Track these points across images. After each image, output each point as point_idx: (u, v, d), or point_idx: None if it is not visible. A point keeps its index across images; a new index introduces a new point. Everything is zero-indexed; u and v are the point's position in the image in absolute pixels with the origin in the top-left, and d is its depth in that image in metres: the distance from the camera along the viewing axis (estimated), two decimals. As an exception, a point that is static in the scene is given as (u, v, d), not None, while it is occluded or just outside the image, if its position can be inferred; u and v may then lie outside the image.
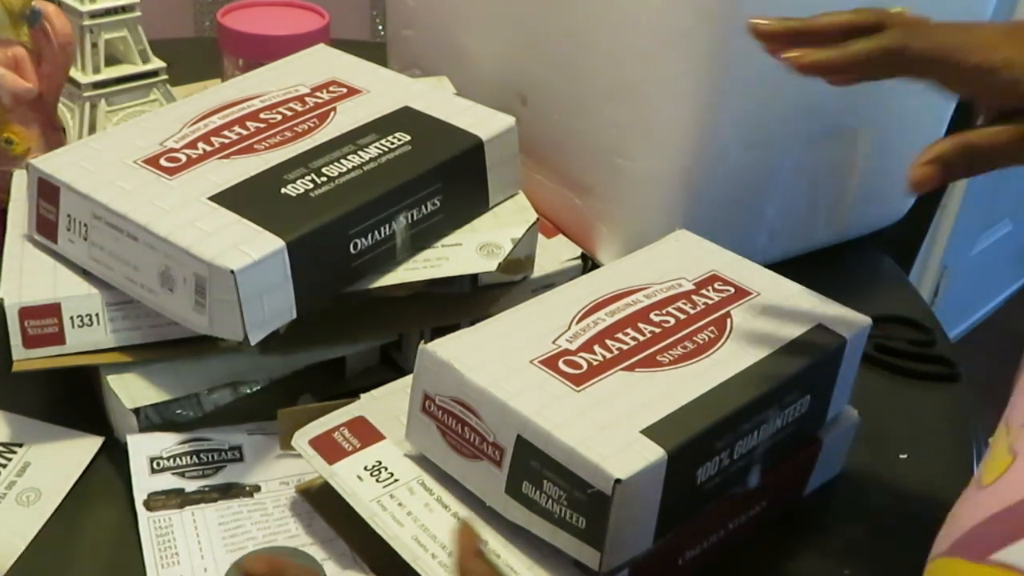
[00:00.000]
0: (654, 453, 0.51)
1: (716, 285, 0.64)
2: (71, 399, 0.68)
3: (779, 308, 0.62)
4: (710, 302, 0.62)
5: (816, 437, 0.64)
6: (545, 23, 0.80)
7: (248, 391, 0.67)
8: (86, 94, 0.88)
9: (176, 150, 0.67)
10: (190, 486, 0.61)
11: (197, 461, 0.63)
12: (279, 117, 0.71)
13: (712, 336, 0.59)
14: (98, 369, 0.64)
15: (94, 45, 0.88)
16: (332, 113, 0.71)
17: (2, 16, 0.77)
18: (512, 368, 0.55)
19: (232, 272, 0.57)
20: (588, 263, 0.81)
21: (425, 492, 0.57)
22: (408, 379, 0.59)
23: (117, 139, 0.69)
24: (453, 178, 0.68)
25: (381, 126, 0.70)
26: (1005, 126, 0.51)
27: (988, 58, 0.50)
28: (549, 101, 0.81)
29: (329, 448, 0.59)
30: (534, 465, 0.52)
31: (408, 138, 0.69)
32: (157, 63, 0.91)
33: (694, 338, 0.59)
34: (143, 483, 0.61)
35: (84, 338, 0.63)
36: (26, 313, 0.62)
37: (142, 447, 0.63)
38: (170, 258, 0.59)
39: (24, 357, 0.62)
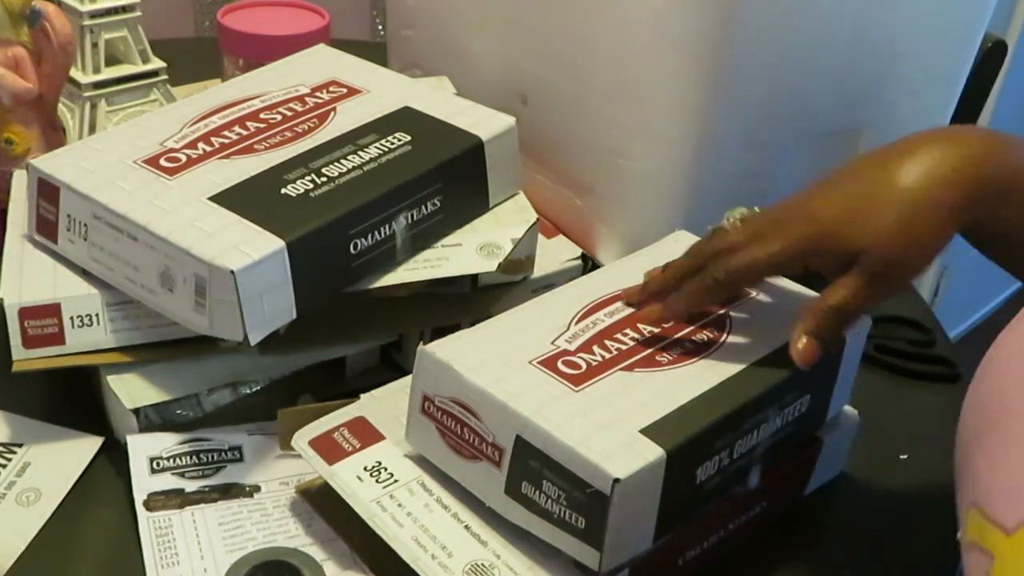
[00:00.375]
0: (653, 453, 0.51)
1: (716, 285, 0.64)
2: (71, 399, 0.68)
3: (779, 308, 0.62)
4: (710, 302, 0.62)
5: (816, 437, 0.64)
6: (545, 23, 0.80)
7: (248, 391, 0.67)
8: (86, 94, 0.88)
9: (176, 150, 0.67)
10: (190, 486, 0.61)
11: (197, 461, 0.63)
12: (279, 117, 0.71)
13: (711, 336, 0.59)
14: (98, 369, 0.64)
15: (94, 45, 0.88)
16: (332, 113, 0.71)
17: (2, 16, 0.77)
18: (511, 368, 0.55)
19: (232, 272, 0.57)
20: (588, 263, 0.81)
21: (425, 493, 0.57)
22: (408, 379, 0.59)
23: (117, 139, 0.69)
24: (453, 178, 0.68)
25: (381, 126, 0.70)
26: (850, 284, 0.54)
27: (774, 251, 0.55)
28: (549, 101, 0.81)
29: (329, 448, 0.59)
30: (533, 465, 0.52)
31: (408, 138, 0.69)
32: (157, 63, 0.92)
33: (693, 338, 0.59)
34: (143, 483, 0.61)
35: (84, 338, 0.63)
36: (26, 313, 0.62)
37: (142, 447, 0.63)
38: (170, 258, 0.59)
39: (24, 357, 0.62)
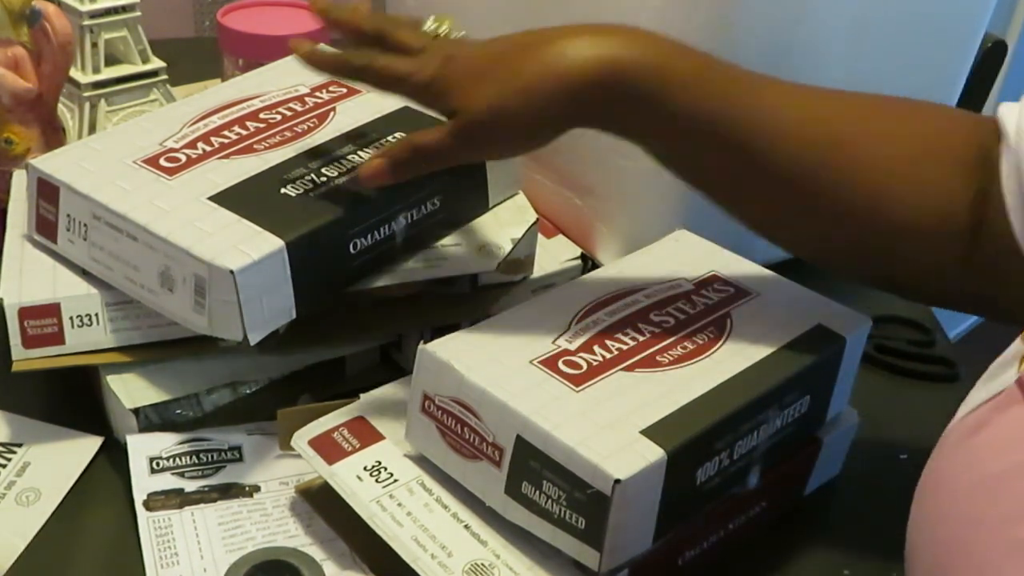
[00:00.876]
0: (654, 453, 0.51)
1: (716, 285, 0.64)
2: (71, 399, 0.68)
3: (779, 308, 0.62)
4: (710, 302, 0.62)
5: (816, 437, 0.64)
6: (545, 23, 0.80)
7: (248, 391, 0.67)
8: (86, 94, 0.88)
9: (176, 150, 0.67)
10: (190, 486, 0.61)
11: (197, 461, 0.63)
12: (279, 117, 0.71)
13: (712, 336, 0.59)
14: (98, 369, 0.64)
15: (94, 45, 0.88)
16: (332, 113, 0.71)
17: (2, 16, 0.77)
18: (512, 368, 0.55)
19: (232, 272, 0.57)
20: (588, 263, 0.81)
21: (425, 492, 0.57)
22: (408, 379, 0.59)
23: (117, 139, 0.69)
24: (453, 178, 0.68)
25: (381, 126, 0.70)
26: (436, 130, 0.58)
27: (416, 74, 0.57)
28: (549, 101, 0.81)
29: (329, 448, 0.59)
30: (533, 465, 0.52)
31: (408, 138, 0.69)
32: (157, 63, 0.92)
33: (694, 338, 0.59)
34: (143, 483, 0.61)
35: (84, 338, 0.63)
36: (26, 313, 0.62)
37: (142, 447, 0.63)
38: (170, 258, 0.59)
39: (24, 357, 0.62)
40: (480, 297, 0.70)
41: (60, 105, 0.84)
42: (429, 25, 0.61)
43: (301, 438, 0.60)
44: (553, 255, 0.79)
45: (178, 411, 0.65)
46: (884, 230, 0.55)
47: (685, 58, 0.55)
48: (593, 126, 0.57)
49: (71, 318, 0.63)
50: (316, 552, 0.58)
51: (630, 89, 0.54)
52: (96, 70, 0.89)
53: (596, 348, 0.57)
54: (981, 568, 0.41)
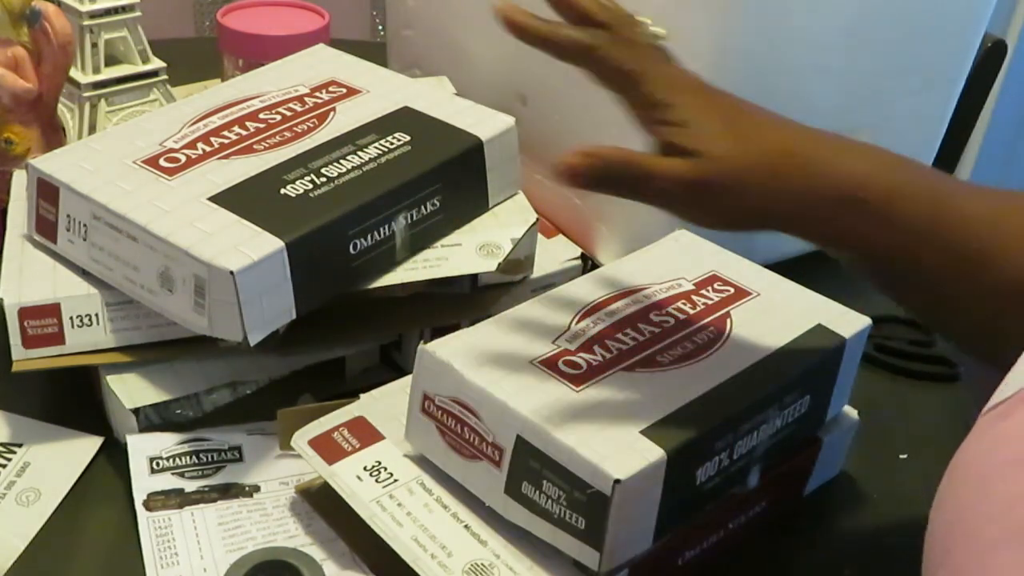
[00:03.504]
0: (653, 453, 0.51)
1: (716, 285, 0.64)
2: (71, 399, 0.68)
3: (779, 308, 0.62)
4: (710, 302, 0.62)
5: (816, 437, 0.64)
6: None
7: (248, 391, 0.67)
8: (86, 94, 0.88)
9: (176, 150, 0.67)
10: (190, 486, 0.61)
11: (197, 461, 0.63)
12: (279, 117, 0.71)
13: (712, 336, 0.59)
14: (98, 369, 0.64)
15: (94, 45, 0.88)
16: (332, 113, 0.71)
17: (2, 16, 0.77)
18: (512, 368, 0.55)
19: (231, 273, 0.57)
20: (588, 263, 0.81)
21: (425, 492, 0.57)
22: (408, 379, 0.59)
23: (117, 139, 0.69)
24: (453, 178, 0.68)
25: (381, 126, 0.70)
26: (668, 162, 0.50)
27: (658, 93, 0.50)
28: (549, 101, 0.81)
29: (329, 448, 0.59)
30: (533, 465, 0.52)
31: (408, 138, 0.69)
32: (157, 63, 0.91)
33: (694, 338, 0.59)
34: (143, 483, 0.61)
35: (84, 338, 0.63)
36: (26, 313, 0.62)
37: (142, 447, 0.63)
38: (170, 259, 0.59)
39: (24, 357, 0.62)
40: (480, 297, 0.70)
41: (60, 105, 0.84)
42: (647, 29, 0.54)
43: (301, 438, 0.60)
44: (553, 255, 0.79)
45: (178, 411, 0.65)
46: None
47: (917, 176, 0.54)
48: (803, 234, 0.53)
49: (71, 318, 0.63)
50: (316, 552, 0.58)
51: (866, 207, 0.52)
52: (96, 70, 0.89)
53: (596, 348, 0.57)
54: (981, 552, 0.41)
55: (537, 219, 0.71)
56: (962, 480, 0.45)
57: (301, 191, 0.63)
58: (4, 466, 0.64)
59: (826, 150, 0.52)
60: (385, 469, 0.58)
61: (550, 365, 0.56)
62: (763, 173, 0.50)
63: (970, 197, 0.55)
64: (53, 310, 0.62)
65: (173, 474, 0.62)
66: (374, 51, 0.90)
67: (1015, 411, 0.43)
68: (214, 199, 0.62)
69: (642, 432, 0.52)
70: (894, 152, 0.54)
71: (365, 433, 0.60)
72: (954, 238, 0.53)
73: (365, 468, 0.58)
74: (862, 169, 0.52)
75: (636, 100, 0.52)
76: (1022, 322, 0.53)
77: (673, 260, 0.66)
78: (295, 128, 0.69)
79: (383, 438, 0.60)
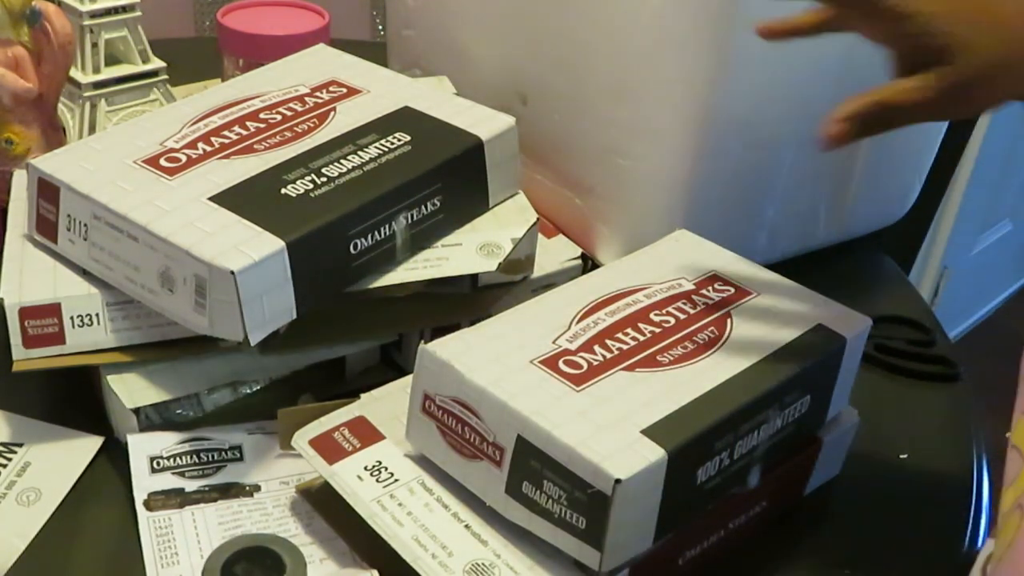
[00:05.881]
0: (654, 453, 0.51)
1: (716, 285, 0.64)
2: (71, 399, 0.68)
3: (779, 308, 0.62)
4: (710, 302, 0.62)
5: (816, 437, 0.64)
6: (545, 23, 0.80)
7: (248, 391, 0.67)
8: (86, 94, 0.88)
9: (176, 150, 0.67)
10: (190, 486, 0.61)
11: (197, 461, 0.63)
12: (279, 117, 0.71)
13: (712, 336, 0.59)
14: (98, 369, 0.64)
15: (94, 45, 0.88)
16: (332, 113, 0.71)
17: (2, 16, 0.77)
18: (512, 368, 0.55)
19: (232, 273, 0.57)
20: (588, 263, 0.81)
21: (425, 492, 0.57)
22: (408, 379, 0.59)
23: (117, 139, 0.69)
24: (453, 178, 0.68)
25: (381, 126, 0.70)
26: (915, 83, 0.51)
27: (899, 4, 0.50)
28: (549, 101, 0.81)
29: (329, 448, 0.59)
30: (534, 465, 0.52)
31: (408, 138, 0.69)
32: (157, 63, 0.92)
33: (694, 338, 0.59)
34: (143, 483, 0.61)
35: (84, 338, 0.63)
36: (26, 313, 0.62)
37: (142, 447, 0.63)
38: (170, 258, 0.59)
39: (24, 357, 0.62)
40: (480, 297, 0.70)
41: (60, 105, 0.84)
42: None
43: (302, 438, 0.60)
44: (553, 255, 0.79)
45: (179, 411, 0.65)
46: None
47: None
48: None
49: (71, 318, 0.63)
50: (316, 551, 0.58)
51: None
52: (96, 70, 0.89)
53: (596, 348, 0.57)
54: None
55: (537, 219, 0.71)
56: None
57: (302, 191, 0.63)
58: (4, 466, 0.64)
59: None
60: (386, 469, 0.58)
61: (550, 365, 0.56)
62: (1014, 59, 0.49)
63: None
64: (53, 310, 0.62)
65: (173, 474, 0.62)
66: (374, 51, 0.90)
67: None
68: (215, 199, 0.62)
69: (643, 432, 0.52)
70: None
71: (365, 433, 0.60)
72: None
73: (366, 468, 0.58)
74: None
75: (879, 17, 0.51)
76: None
77: (673, 260, 0.66)
78: (295, 128, 0.69)
79: (383, 438, 0.60)
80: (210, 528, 0.59)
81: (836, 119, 0.52)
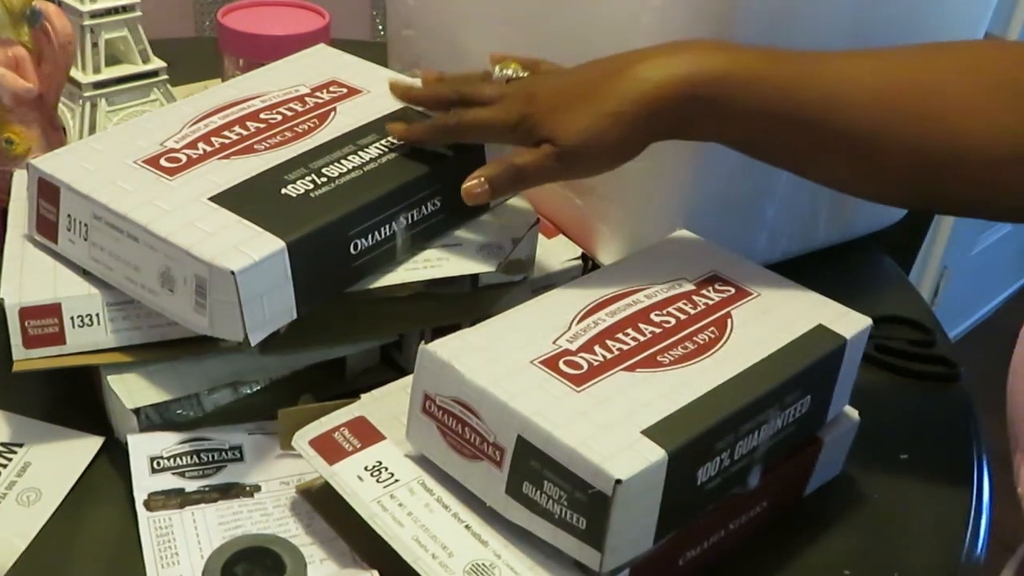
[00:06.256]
0: (655, 454, 0.51)
1: (716, 285, 0.64)
2: (71, 399, 0.68)
3: (779, 308, 0.62)
4: (710, 302, 0.62)
5: (816, 437, 0.64)
6: (545, 23, 0.80)
7: (248, 391, 0.67)
8: (86, 94, 0.88)
9: (176, 150, 0.67)
10: (190, 486, 0.61)
11: (197, 461, 0.63)
12: (279, 117, 0.71)
13: (712, 336, 0.59)
14: (98, 369, 0.64)
15: (94, 45, 0.88)
16: (332, 113, 0.71)
17: (2, 16, 0.77)
18: (512, 368, 0.55)
19: (232, 273, 0.57)
20: (588, 263, 0.81)
21: (425, 492, 0.57)
22: (408, 379, 0.59)
23: (117, 139, 0.69)
24: (453, 178, 0.68)
25: (381, 126, 0.70)
26: (536, 153, 0.62)
27: (511, 121, 0.63)
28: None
29: (329, 448, 0.59)
30: (534, 465, 0.52)
31: (408, 138, 0.69)
32: (157, 63, 0.92)
33: (694, 338, 0.59)
34: (143, 483, 0.61)
35: (84, 338, 0.63)
36: (26, 313, 0.62)
37: (142, 447, 0.63)
38: (170, 259, 0.59)
39: (24, 357, 0.62)
40: (480, 297, 0.70)
41: (60, 105, 0.84)
42: (498, 73, 0.68)
43: (302, 438, 0.60)
44: (553, 255, 0.79)
45: (179, 411, 0.65)
46: (965, 166, 0.59)
47: (747, 58, 0.61)
48: (674, 137, 0.62)
49: (72, 318, 0.63)
50: (316, 552, 0.58)
51: (703, 100, 0.60)
52: (96, 70, 0.89)
53: (597, 348, 0.57)
54: None
55: (538, 219, 0.71)
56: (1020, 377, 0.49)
57: (302, 191, 0.63)
58: (5, 466, 0.64)
59: (643, 74, 0.60)
60: (386, 469, 0.58)
61: (551, 365, 0.56)
62: (602, 130, 0.61)
63: (838, 66, 0.61)
64: (54, 310, 0.62)
65: (174, 474, 0.62)
66: (374, 51, 0.90)
67: None
68: (215, 199, 0.62)
69: (643, 432, 0.52)
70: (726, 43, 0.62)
71: (366, 433, 0.60)
72: (802, 114, 0.60)
73: (366, 468, 0.58)
74: (683, 73, 0.60)
75: (499, 138, 0.66)
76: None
77: (673, 260, 0.66)
78: (296, 128, 0.69)
79: (384, 438, 0.60)
80: (210, 528, 0.59)
81: (476, 178, 0.63)
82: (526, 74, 0.68)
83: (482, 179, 0.63)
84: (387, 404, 0.62)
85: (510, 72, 0.68)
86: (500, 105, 0.64)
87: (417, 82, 0.73)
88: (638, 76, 0.60)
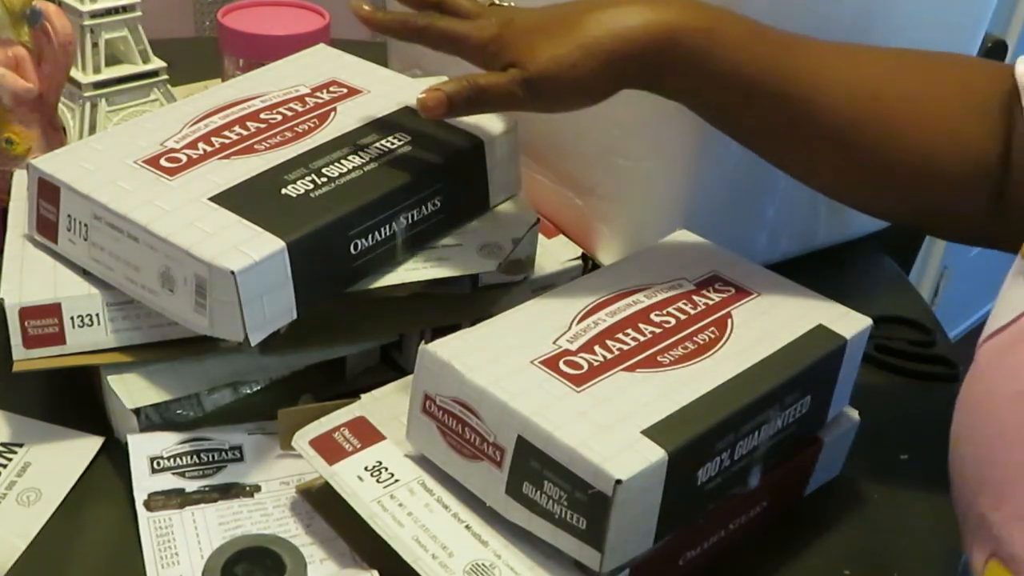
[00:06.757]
0: (655, 454, 0.51)
1: (716, 285, 0.64)
2: (71, 399, 0.68)
3: (779, 308, 0.62)
4: (710, 302, 0.62)
5: (816, 437, 0.64)
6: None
7: (248, 391, 0.67)
8: (86, 94, 0.88)
9: (176, 150, 0.67)
10: (190, 486, 0.61)
11: (197, 461, 0.63)
12: (279, 117, 0.71)
13: (712, 336, 0.59)
14: (98, 369, 0.64)
15: (94, 45, 0.88)
16: (332, 113, 0.71)
17: (2, 16, 0.77)
18: (512, 368, 0.55)
19: (232, 273, 0.57)
20: (588, 263, 0.81)
21: (425, 492, 0.57)
22: (408, 379, 0.59)
23: (117, 139, 0.69)
24: (453, 178, 0.68)
25: (381, 126, 0.70)
26: (502, 76, 0.60)
27: (482, 42, 0.62)
28: (549, 101, 0.81)
29: (329, 448, 0.59)
30: (534, 466, 0.52)
31: (408, 138, 0.69)
32: (157, 63, 0.92)
33: (695, 338, 0.59)
34: (143, 483, 0.61)
35: (84, 338, 0.63)
36: (26, 313, 0.62)
37: (142, 447, 0.63)
38: (170, 259, 0.59)
39: (24, 357, 0.62)
40: (481, 297, 0.70)
41: (60, 105, 0.84)
42: None
43: (302, 438, 0.60)
44: (553, 255, 0.79)
45: (179, 411, 0.65)
46: (922, 176, 0.59)
47: (734, 23, 0.60)
48: (645, 86, 0.61)
49: (72, 318, 0.63)
50: (316, 552, 0.58)
51: (681, 51, 0.58)
52: (96, 70, 0.89)
53: (597, 348, 0.57)
54: (1019, 470, 0.43)
55: (538, 219, 0.71)
56: (981, 416, 0.48)
57: (302, 191, 0.63)
58: (5, 466, 0.64)
59: (626, 12, 0.59)
60: (386, 469, 0.58)
61: (551, 365, 0.56)
62: (572, 60, 0.59)
63: (817, 52, 0.61)
64: (54, 310, 0.62)
65: (174, 474, 0.62)
66: (374, 51, 0.90)
67: (1018, 346, 0.47)
68: (215, 199, 0.62)
69: (643, 432, 0.52)
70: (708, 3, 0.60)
71: (366, 433, 0.60)
72: (775, 89, 0.59)
73: (366, 468, 0.58)
74: (667, 19, 0.59)
75: (466, 54, 0.63)
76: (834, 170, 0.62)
77: (673, 260, 0.66)
78: (296, 128, 0.69)
79: (384, 438, 0.60)
80: (210, 528, 0.59)
81: (433, 87, 0.61)
82: (512, 3, 0.66)
83: (440, 92, 0.61)
84: (387, 404, 0.62)
85: None
86: (475, 22, 0.62)
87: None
88: (620, 14, 0.59)
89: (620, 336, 0.58)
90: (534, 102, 0.61)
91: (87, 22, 0.87)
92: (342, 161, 0.66)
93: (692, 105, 0.62)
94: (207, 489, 0.61)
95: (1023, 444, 0.44)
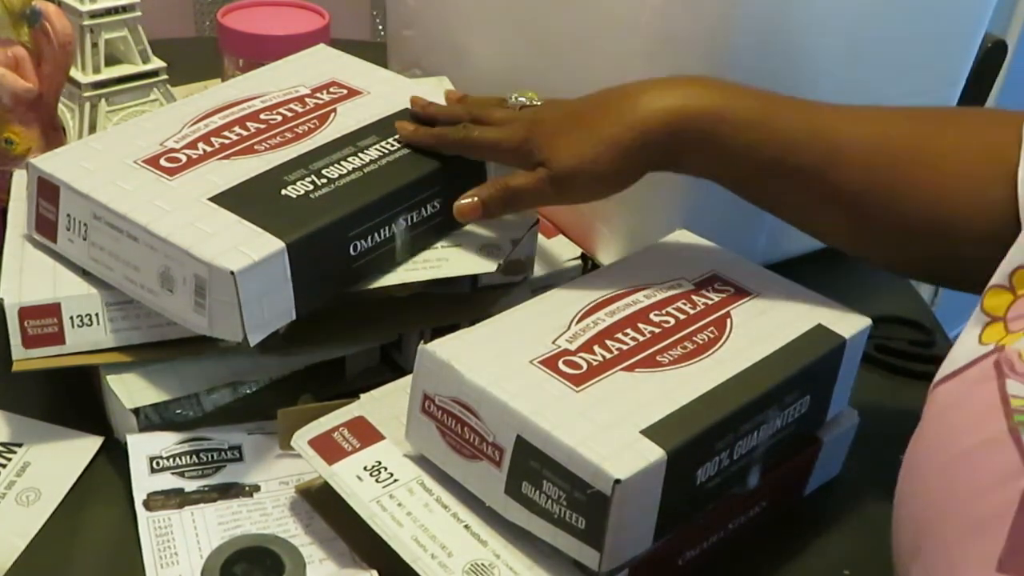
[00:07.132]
0: (654, 453, 0.51)
1: (716, 285, 0.64)
2: (71, 399, 0.68)
3: (779, 308, 0.62)
4: (710, 302, 0.62)
5: (816, 437, 0.64)
6: (545, 23, 0.80)
7: (248, 391, 0.67)
8: (86, 94, 0.88)
9: (176, 150, 0.67)
10: (190, 486, 0.61)
11: (197, 461, 0.63)
12: (279, 118, 0.71)
13: (712, 336, 0.59)
14: (98, 369, 0.64)
15: (94, 45, 0.88)
16: (332, 114, 0.71)
17: (2, 16, 0.77)
18: (512, 368, 0.55)
19: (232, 273, 0.57)
20: (588, 263, 0.81)
21: (425, 492, 0.57)
22: (408, 379, 0.59)
23: (117, 139, 0.69)
24: (453, 179, 0.68)
25: (381, 127, 0.70)
26: (531, 175, 0.64)
27: (514, 144, 0.65)
28: (549, 101, 0.81)
29: (329, 448, 0.59)
30: (534, 465, 0.52)
31: (408, 138, 0.69)
32: (157, 63, 0.92)
33: (694, 338, 0.59)
34: (143, 483, 0.61)
35: (84, 338, 0.63)
36: (26, 313, 0.62)
37: (142, 447, 0.63)
38: (170, 259, 0.59)
39: (24, 357, 0.62)
40: (480, 297, 0.70)
41: (60, 105, 0.84)
42: (514, 100, 0.69)
43: (301, 438, 0.60)
44: (553, 255, 0.79)
45: (178, 411, 0.65)
46: (947, 236, 0.58)
47: (744, 100, 0.61)
48: (668, 169, 0.63)
49: (71, 318, 0.63)
50: (316, 552, 0.58)
51: (695, 134, 0.60)
52: (96, 70, 0.89)
53: (596, 348, 0.57)
54: (948, 545, 0.42)
55: (538, 219, 0.71)
56: (922, 473, 0.47)
57: (302, 192, 0.63)
58: (4, 466, 0.64)
59: (639, 103, 0.62)
60: (385, 469, 0.58)
61: (550, 365, 0.56)
62: (595, 156, 0.62)
63: (834, 119, 0.61)
64: (53, 310, 0.62)
65: (173, 474, 0.62)
66: (374, 51, 0.90)
67: (964, 400, 0.46)
68: (215, 199, 0.62)
69: (642, 432, 0.52)
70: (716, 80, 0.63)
71: (365, 433, 0.60)
72: (795, 163, 0.60)
73: (365, 468, 0.58)
74: (676, 104, 0.61)
75: (501, 158, 0.67)
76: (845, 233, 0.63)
77: (673, 260, 0.66)
78: (296, 129, 0.69)
79: (383, 438, 0.60)
80: (210, 528, 0.59)
81: (469, 194, 0.65)
82: (540, 103, 0.69)
83: (475, 198, 0.65)
84: (387, 404, 0.62)
85: (524, 100, 0.69)
86: (507, 127, 0.66)
87: (439, 98, 0.74)
88: (634, 105, 0.61)
89: (619, 336, 0.58)
90: (562, 196, 0.64)
91: (87, 22, 0.87)
92: (342, 162, 0.66)
93: (713, 180, 0.63)
94: (206, 489, 0.61)
95: (957, 516, 0.43)
